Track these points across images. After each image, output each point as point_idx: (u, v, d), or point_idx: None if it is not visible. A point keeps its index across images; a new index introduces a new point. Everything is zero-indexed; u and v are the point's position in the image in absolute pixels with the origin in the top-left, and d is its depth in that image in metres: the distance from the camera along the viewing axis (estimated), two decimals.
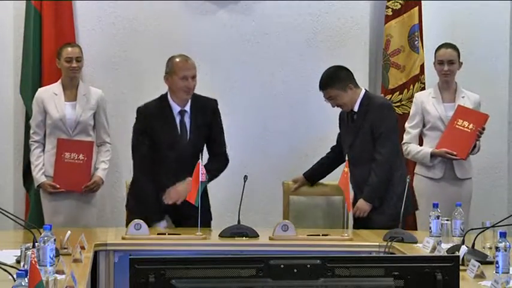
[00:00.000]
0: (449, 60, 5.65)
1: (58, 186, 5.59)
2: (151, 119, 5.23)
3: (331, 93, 5.43)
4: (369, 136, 5.31)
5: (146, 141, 5.21)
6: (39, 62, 6.14)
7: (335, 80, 5.43)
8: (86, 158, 5.59)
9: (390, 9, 6.34)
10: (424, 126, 5.71)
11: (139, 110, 5.30)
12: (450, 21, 6.53)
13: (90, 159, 5.60)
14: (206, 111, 5.27)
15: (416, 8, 6.32)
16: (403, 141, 5.73)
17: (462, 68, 6.24)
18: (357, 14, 6.43)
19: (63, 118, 5.62)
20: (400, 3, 6.33)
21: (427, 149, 5.64)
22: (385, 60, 6.36)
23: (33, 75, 6.12)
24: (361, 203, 5.29)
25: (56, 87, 5.71)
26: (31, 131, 5.73)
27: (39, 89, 5.82)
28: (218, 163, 5.35)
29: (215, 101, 5.34)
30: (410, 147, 5.69)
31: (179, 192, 5.18)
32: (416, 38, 6.30)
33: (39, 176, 5.64)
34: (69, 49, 5.69)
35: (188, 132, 5.27)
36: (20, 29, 6.19)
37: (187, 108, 5.28)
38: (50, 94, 5.68)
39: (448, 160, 5.60)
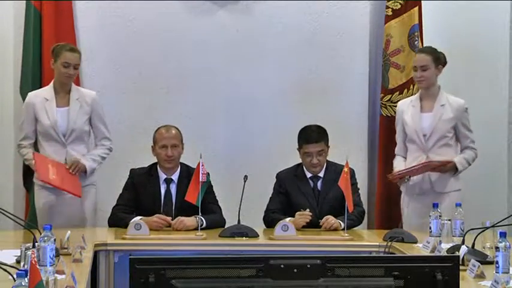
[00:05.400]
0: (421, 66, 5.40)
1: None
2: (139, 186, 5.42)
3: (324, 148, 5.43)
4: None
5: (131, 198, 5.42)
6: (39, 62, 6.13)
7: (326, 134, 5.47)
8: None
9: (390, 9, 6.34)
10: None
11: (131, 172, 5.53)
12: (450, 21, 6.53)
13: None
14: (189, 180, 5.26)
15: (416, 8, 6.32)
16: (395, 152, 5.67)
17: (462, 67, 6.26)
18: (357, 14, 6.43)
19: (55, 126, 5.43)
20: (400, 3, 6.33)
21: (397, 167, 5.53)
22: (385, 60, 6.36)
23: (33, 75, 6.11)
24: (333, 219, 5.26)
25: (48, 92, 5.49)
26: (20, 138, 5.52)
27: (30, 94, 5.58)
28: (215, 217, 5.36)
29: None
30: (395, 162, 5.59)
31: (185, 223, 5.18)
32: (416, 38, 6.29)
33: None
34: (69, 55, 5.44)
35: (174, 201, 5.39)
36: (20, 29, 6.19)
37: (174, 177, 5.43)
38: (41, 99, 5.46)
39: (424, 176, 5.41)
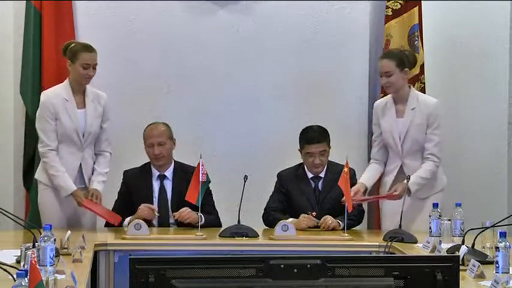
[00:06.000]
0: (385, 72, 5.28)
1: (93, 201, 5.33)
2: (132, 186, 5.48)
3: (326, 148, 5.45)
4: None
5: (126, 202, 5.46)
6: (39, 62, 6.13)
7: (328, 135, 5.50)
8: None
9: (390, 9, 6.34)
10: None
11: (124, 174, 5.59)
12: (450, 21, 6.52)
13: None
14: (186, 177, 5.28)
15: (416, 8, 6.31)
16: (371, 155, 5.58)
17: (462, 67, 6.25)
18: (357, 14, 6.42)
19: (77, 128, 5.33)
20: (400, 3, 6.33)
21: (362, 179, 5.42)
22: None
23: (33, 75, 6.10)
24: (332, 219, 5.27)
25: (65, 92, 5.35)
26: (44, 140, 5.30)
27: (47, 93, 5.40)
28: (211, 217, 5.38)
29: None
30: (365, 172, 5.49)
31: (191, 215, 5.23)
32: (416, 38, 6.29)
33: (70, 184, 5.28)
34: (88, 55, 5.32)
35: (169, 197, 5.43)
36: (20, 29, 6.18)
37: (168, 173, 5.46)
38: (61, 100, 5.31)
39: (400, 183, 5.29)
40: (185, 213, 5.22)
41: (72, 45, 5.42)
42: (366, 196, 5.41)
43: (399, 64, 5.29)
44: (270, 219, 5.42)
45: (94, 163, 5.50)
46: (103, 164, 5.50)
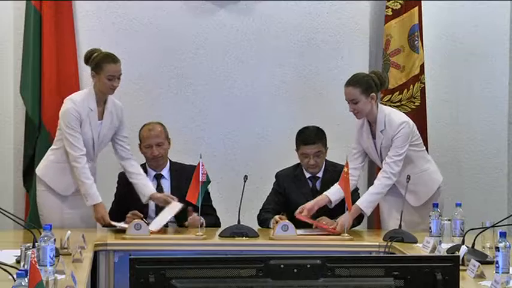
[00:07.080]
0: (351, 100, 5.15)
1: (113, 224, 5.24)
2: (127, 186, 5.43)
3: (322, 149, 5.42)
4: None
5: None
6: (39, 62, 6.12)
7: (324, 136, 5.48)
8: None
9: (390, 9, 6.34)
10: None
11: (119, 176, 5.58)
12: (450, 21, 6.52)
13: None
14: (184, 176, 5.30)
15: (416, 8, 6.32)
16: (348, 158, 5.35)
17: (462, 67, 6.25)
18: (357, 14, 6.43)
19: (96, 139, 5.31)
20: (400, 3, 6.33)
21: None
22: (384, 60, 6.35)
23: (33, 75, 6.10)
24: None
25: (91, 101, 5.28)
26: (76, 145, 5.21)
27: (74, 100, 5.28)
28: (210, 221, 5.35)
29: (193, 167, 5.15)
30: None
31: (196, 220, 5.20)
32: (416, 38, 6.29)
33: (97, 195, 5.25)
34: (113, 67, 5.23)
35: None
36: (20, 29, 6.18)
37: (164, 172, 5.48)
38: (86, 110, 5.25)
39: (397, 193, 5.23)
40: (197, 219, 5.13)
41: (95, 54, 5.30)
42: (313, 220, 5.17)
43: (364, 91, 5.14)
44: (260, 219, 5.44)
45: (126, 166, 5.44)
46: (140, 168, 5.45)
